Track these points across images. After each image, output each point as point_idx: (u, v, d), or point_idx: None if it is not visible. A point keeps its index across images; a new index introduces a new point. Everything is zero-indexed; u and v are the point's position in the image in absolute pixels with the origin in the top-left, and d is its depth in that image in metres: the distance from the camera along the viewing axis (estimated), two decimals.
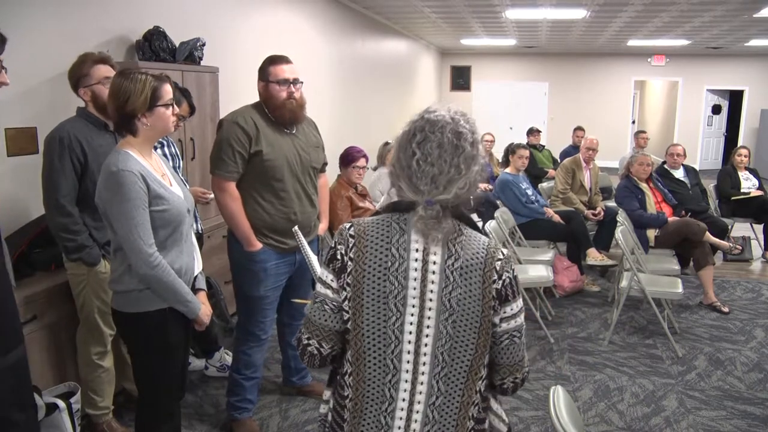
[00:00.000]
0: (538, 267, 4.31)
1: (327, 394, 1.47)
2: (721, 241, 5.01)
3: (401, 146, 1.33)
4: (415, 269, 1.31)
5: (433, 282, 1.30)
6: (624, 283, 4.05)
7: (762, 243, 6.31)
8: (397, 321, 1.32)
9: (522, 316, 1.39)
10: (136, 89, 1.94)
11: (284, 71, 2.62)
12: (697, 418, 3.15)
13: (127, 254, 1.95)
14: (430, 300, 1.31)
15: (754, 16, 7.76)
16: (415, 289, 1.31)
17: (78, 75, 2.60)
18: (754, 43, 10.71)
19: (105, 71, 2.58)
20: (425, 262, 1.31)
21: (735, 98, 13.91)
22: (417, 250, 1.31)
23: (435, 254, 1.31)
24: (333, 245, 1.38)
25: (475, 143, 1.32)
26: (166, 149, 3.02)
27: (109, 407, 2.80)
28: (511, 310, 1.35)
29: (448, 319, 1.30)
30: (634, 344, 4.09)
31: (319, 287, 1.39)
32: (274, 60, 2.65)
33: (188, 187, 2.88)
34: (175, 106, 2.06)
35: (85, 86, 2.60)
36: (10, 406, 1.25)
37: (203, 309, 2.14)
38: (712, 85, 13.75)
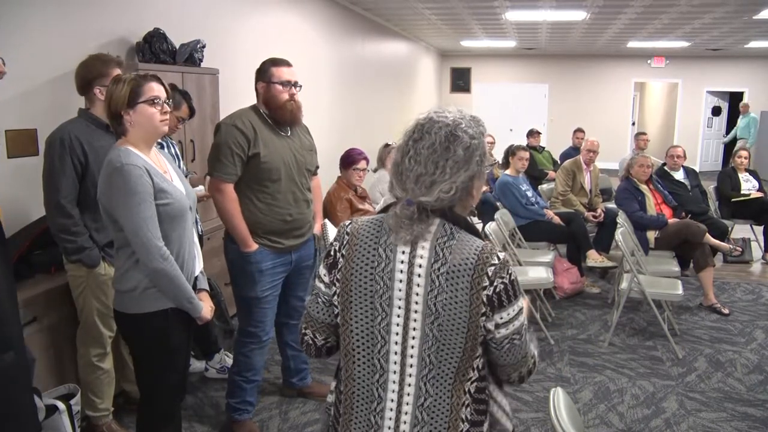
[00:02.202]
0: (538, 269, 4.31)
1: (333, 384, 1.48)
2: (721, 243, 5.01)
3: (401, 143, 1.32)
4: (401, 271, 1.30)
5: (418, 285, 1.29)
6: (624, 285, 4.05)
7: (762, 245, 6.31)
8: (383, 321, 1.32)
9: (522, 316, 1.34)
10: (117, 88, 1.99)
11: (286, 73, 2.67)
12: (697, 419, 3.15)
13: (136, 249, 1.95)
14: (416, 303, 1.29)
15: (754, 17, 7.77)
16: (400, 290, 1.30)
17: (97, 74, 2.61)
18: (754, 44, 10.72)
19: None
20: (411, 264, 1.29)
21: (735, 100, 13.91)
22: (403, 252, 1.30)
23: (421, 258, 1.29)
24: (332, 241, 1.40)
25: (471, 148, 1.28)
26: (166, 151, 3.02)
27: (108, 409, 2.80)
28: (508, 315, 1.30)
29: (434, 323, 1.29)
30: (635, 346, 4.08)
31: (315, 280, 1.42)
32: (276, 62, 2.69)
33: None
34: (166, 105, 2.05)
35: (102, 86, 2.59)
36: None
37: (205, 306, 2.15)
38: (712, 87, 13.76)
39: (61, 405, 2.45)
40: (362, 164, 4.09)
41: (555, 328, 4.35)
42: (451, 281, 1.28)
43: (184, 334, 2.16)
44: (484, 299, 1.28)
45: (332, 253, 1.38)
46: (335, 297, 1.36)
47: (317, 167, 2.98)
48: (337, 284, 1.35)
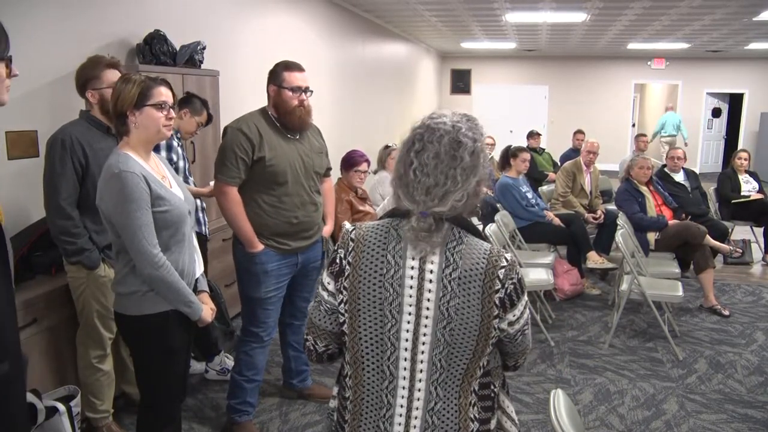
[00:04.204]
0: (538, 270, 4.31)
1: (335, 390, 1.48)
2: (722, 244, 5.00)
3: (401, 155, 1.31)
4: (411, 277, 1.29)
5: (430, 291, 1.29)
6: (624, 287, 4.05)
7: (762, 246, 6.31)
8: (392, 328, 1.31)
9: (527, 309, 1.38)
10: (127, 88, 1.99)
11: (298, 79, 2.67)
12: (697, 421, 3.15)
13: (132, 255, 1.96)
14: (427, 309, 1.29)
15: (754, 19, 7.77)
16: (411, 296, 1.29)
17: (88, 77, 2.62)
18: (754, 46, 10.72)
19: (115, 76, 2.58)
20: (422, 270, 1.29)
21: (735, 101, 13.92)
22: (413, 258, 1.29)
23: (432, 263, 1.29)
24: (335, 248, 1.39)
25: (476, 153, 1.27)
26: (175, 143, 3.05)
27: (108, 410, 2.80)
28: (519, 311, 1.34)
29: (446, 327, 1.29)
30: (635, 347, 4.08)
31: (319, 288, 1.42)
32: (289, 66, 2.69)
33: (192, 184, 2.89)
34: (171, 111, 2.06)
35: (94, 89, 2.61)
36: None
37: (206, 309, 2.15)
38: (712, 88, 13.77)
39: (61, 406, 2.44)
40: (363, 166, 4.09)
41: (555, 330, 4.34)
42: (463, 286, 1.28)
43: (185, 336, 2.16)
44: (497, 302, 1.29)
45: (337, 260, 1.36)
46: (342, 305, 1.35)
47: (329, 169, 2.99)
48: (345, 292, 1.34)
